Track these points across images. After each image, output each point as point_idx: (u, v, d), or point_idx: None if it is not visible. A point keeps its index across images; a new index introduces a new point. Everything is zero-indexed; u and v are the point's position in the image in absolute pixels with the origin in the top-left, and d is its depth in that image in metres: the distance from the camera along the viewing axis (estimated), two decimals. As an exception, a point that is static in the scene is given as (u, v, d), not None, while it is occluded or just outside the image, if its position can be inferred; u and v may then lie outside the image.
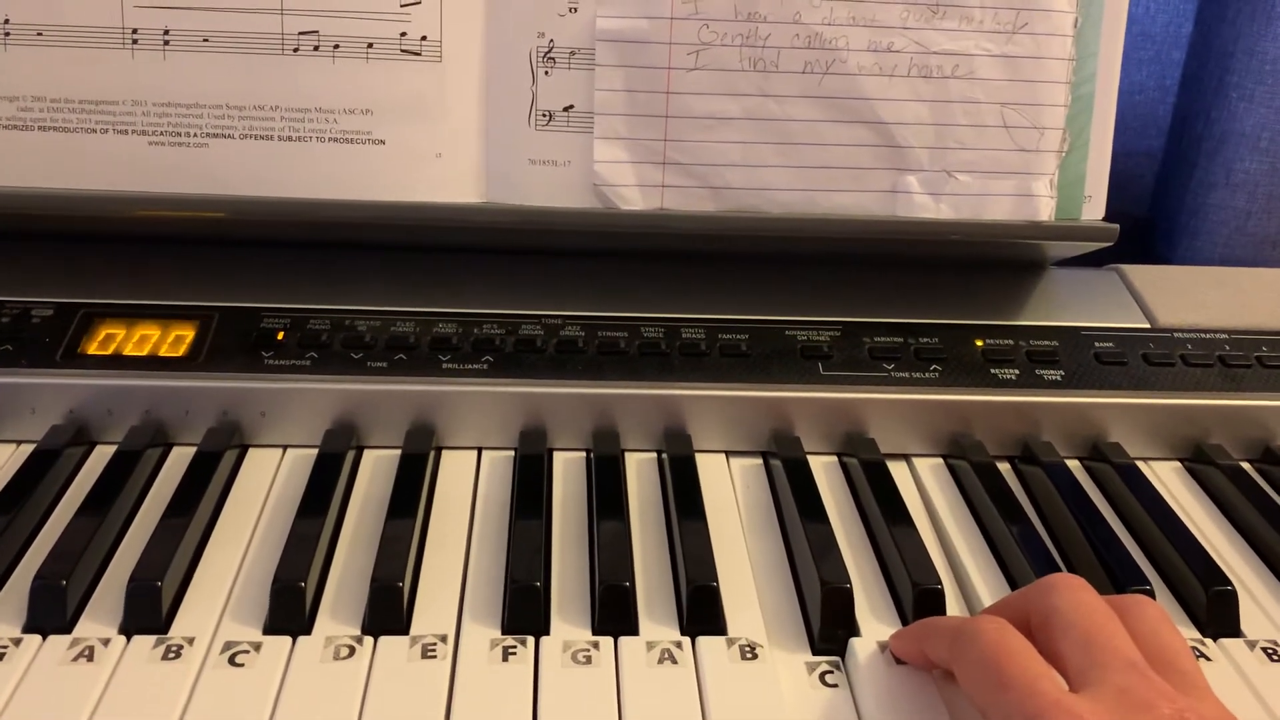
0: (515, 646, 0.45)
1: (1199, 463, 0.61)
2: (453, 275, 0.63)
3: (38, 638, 0.44)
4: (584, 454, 0.59)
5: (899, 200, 0.61)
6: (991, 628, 0.39)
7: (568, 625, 0.46)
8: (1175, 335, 0.64)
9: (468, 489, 0.56)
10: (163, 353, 0.58)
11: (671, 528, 0.53)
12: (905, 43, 0.59)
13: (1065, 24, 0.60)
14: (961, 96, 0.60)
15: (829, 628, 0.47)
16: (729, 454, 0.60)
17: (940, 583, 0.48)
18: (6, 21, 0.57)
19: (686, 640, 0.46)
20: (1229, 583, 0.49)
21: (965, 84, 0.60)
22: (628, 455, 0.59)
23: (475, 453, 0.58)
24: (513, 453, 0.58)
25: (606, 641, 0.45)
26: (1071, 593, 0.41)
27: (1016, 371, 0.61)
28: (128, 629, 0.45)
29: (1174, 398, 0.61)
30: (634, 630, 0.46)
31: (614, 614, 0.46)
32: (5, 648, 0.43)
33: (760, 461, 0.59)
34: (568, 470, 0.58)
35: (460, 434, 0.58)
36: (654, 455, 0.59)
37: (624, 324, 0.61)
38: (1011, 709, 0.36)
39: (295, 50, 0.57)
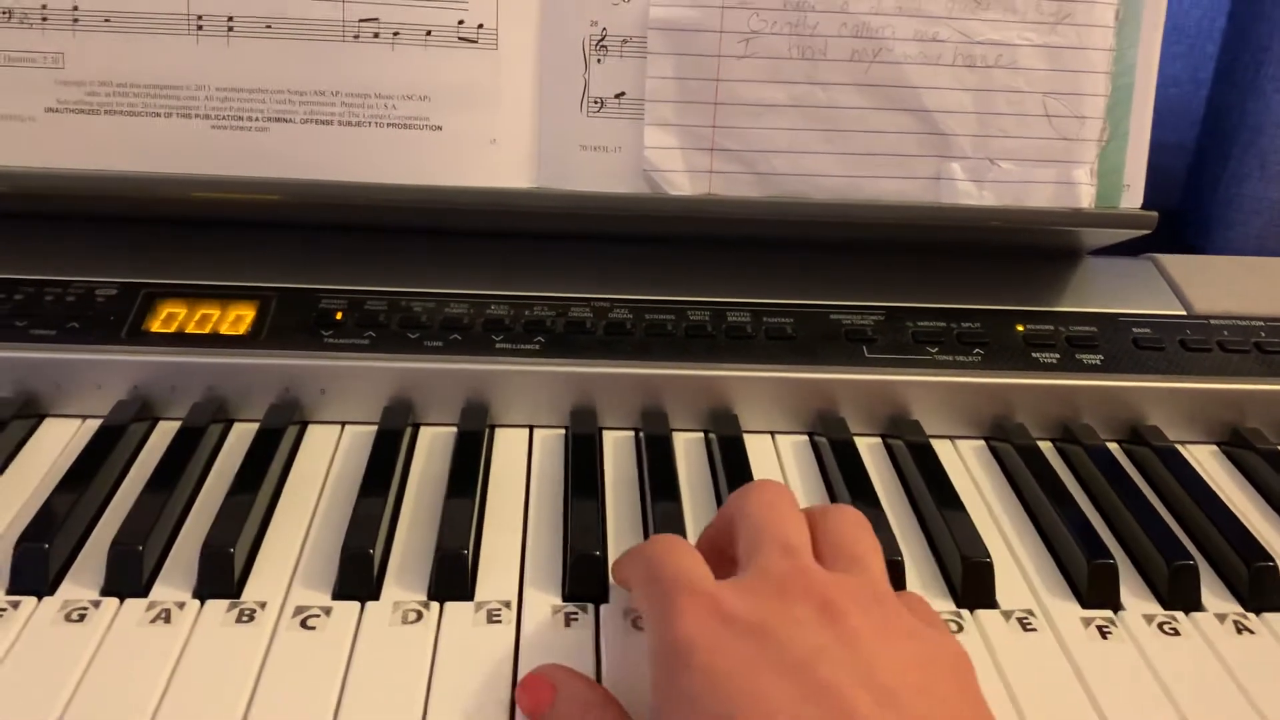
0: (576, 613, 0.46)
1: (1236, 446, 0.62)
2: (505, 259, 0.64)
3: (115, 600, 0.46)
4: (632, 433, 0.60)
5: (942, 187, 0.62)
6: (662, 540, 0.41)
7: (625, 593, 0.48)
8: (1212, 322, 0.65)
9: (521, 466, 0.57)
10: (224, 331, 0.59)
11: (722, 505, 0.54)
12: (950, 33, 0.60)
13: (1107, 15, 0.61)
14: (1004, 86, 0.61)
15: (880, 599, 0.48)
16: (775, 434, 0.61)
17: (989, 556, 0.49)
18: (75, 8, 0.58)
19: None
20: (1271, 558, 0.50)
21: (1008, 73, 0.61)
22: (675, 434, 0.60)
23: (527, 431, 0.60)
24: (563, 431, 0.60)
25: (665, 609, 0.47)
26: (756, 494, 0.42)
27: (1057, 355, 0.62)
28: (201, 593, 0.46)
29: (1211, 382, 0.62)
30: (690, 599, 0.47)
31: (672, 583, 0.47)
32: (85, 609, 0.45)
33: (806, 441, 0.60)
34: (618, 449, 0.59)
35: (513, 412, 0.60)
36: (700, 435, 0.61)
37: (671, 307, 0.62)
38: (653, 599, 0.37)
39: (356, 37, 0.59)
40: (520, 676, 0.43)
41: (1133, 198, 0.64)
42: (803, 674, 0.33)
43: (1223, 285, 0.68)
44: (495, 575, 0.49)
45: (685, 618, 0.35)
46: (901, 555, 0.49)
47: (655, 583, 0.38)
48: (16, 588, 0.46)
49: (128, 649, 0.43)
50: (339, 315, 0.60)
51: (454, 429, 0.58)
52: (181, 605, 0.46)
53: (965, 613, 0.48)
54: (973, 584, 0.49)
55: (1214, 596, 0.50)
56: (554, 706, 0.39)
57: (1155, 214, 0.62)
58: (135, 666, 0.42)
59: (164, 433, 0.58)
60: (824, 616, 0.34)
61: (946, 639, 0.37)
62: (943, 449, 0.60)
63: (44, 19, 0.59)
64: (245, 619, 0.45)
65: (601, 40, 0.60)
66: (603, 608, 0.47)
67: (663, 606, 0.37)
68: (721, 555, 0.42)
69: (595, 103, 0.61)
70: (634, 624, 0.46)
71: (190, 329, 0.59)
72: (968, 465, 0.59)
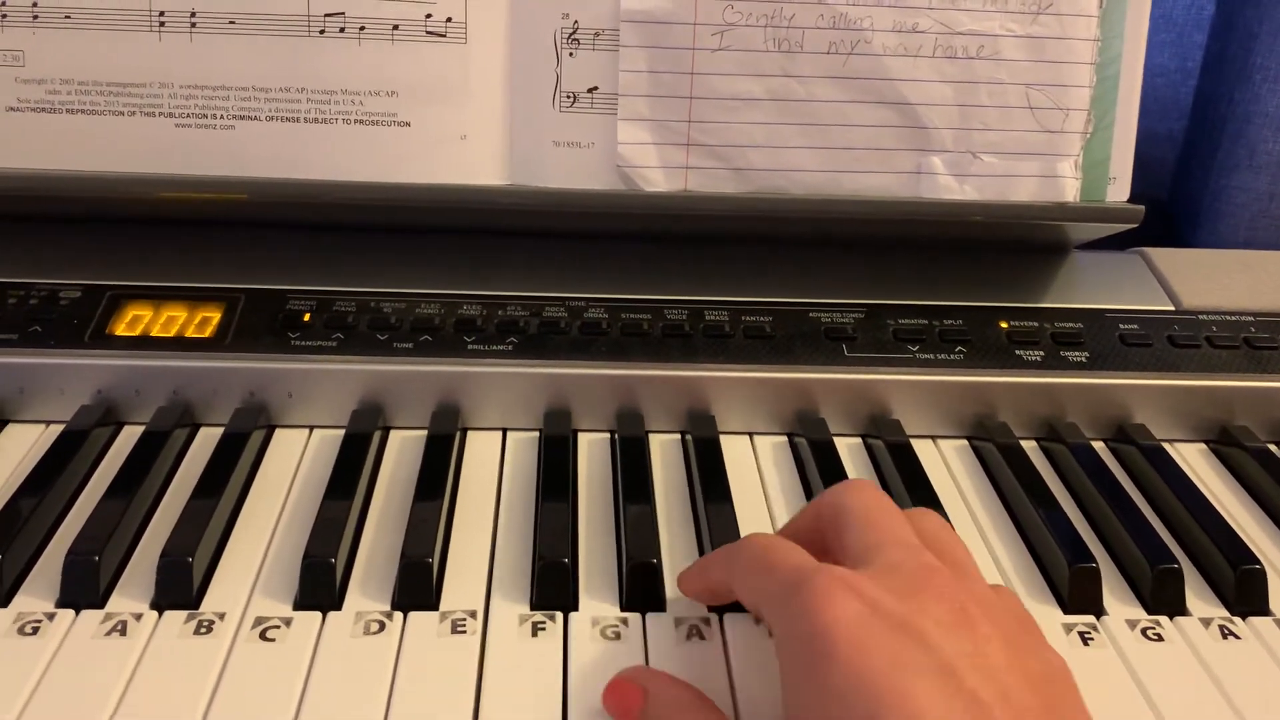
0: (544, 622, 0.45)
1: (1225, 445, 0.61)
2: (477, 257, 0.63)
3: (70, 612, 0.45)
4: (608, 435, 0.59)
5: (923, 181, 0.61)
6: (760, 536, 0.41)
7: (596, 602, 0.47)
8: (1200, 317, 0.64)
9: (493, 469, 0.56)
10: (189, 334, 0.58)
11: (697, 508, 0.53)
12: (930, 23, 0.59)
13: (1090, 4, 0.60)
14: (986, 77, 0.60)
15: (857, 605, 0.47)
16: (753, 435, 0.60)
17: (968, 560, 0.48)
18: (35, 4, 0.57)
19: (714, 617, 0.46)
20: (1257, 561, 0.49)
21: (990, 65, 0.60)
22: (651, 436, 0.59)
23: (500, 434, 0.59)
24: (537, 434, 0.58)
25: (635, 618, 0.45)
26: (859, 491, 0.42)
27: (1041, 353, 0.61)
28: (159, 604, 0.45)
29: (1199, 379, 0.61)
30: (662, 608, 0.46)
31: (642, 591, 0.46)
32: (39, 621, 0.44)
33: (785, 442, 0.59)
34: (592, 451, 0.58)
35: (485, 415, 0.58)
36: (678, 436, 0.59)
37: (647, 306, 0.61)
38: (778, 585, 0.36)
39: (321, 32, 0.57)
40: (483, 688, 0.42)
41: (1119, 191, 0.63)
42: (949, 680, 0.32)
43: (1212, 280, 0.67)
44: (462, 583, 0.47)
45: (829, 602, 0.34)
46: (878, 560, 0.47)
47: (773, 571, 0.37)
48: (-32, 599, 0.45)
49: (82, 663, 0.42)
50: (307, 317, 0.58)
51: (424, 432, 0.57)
52: (139, 616, 0.44)
53: (943, 619, 0.46)
54: (952, 589, 0.47)
55: (1199, 600, 0.49)
56: (644, 711, 0.39)
57: (1142, 208, 0.61)
58: (88, 681, 0.41)
59: (128, 438, 0.56)
60: (959, 621, 0.34)
61: (1053, 653, 0.37)
62: (924, 449, 0.59)
63: (3, 15, 0.57)
64: (203, 630, 0.44)
65: (573, 33, 0.58)
66: (571, 616, 0.45)
67: (796, 592, 0.35)
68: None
69: (568, 97, 0.59)
70: (601, 633, 0.44)
71: (155, 332, 0.58)
72: (949, 465, 0.58)
